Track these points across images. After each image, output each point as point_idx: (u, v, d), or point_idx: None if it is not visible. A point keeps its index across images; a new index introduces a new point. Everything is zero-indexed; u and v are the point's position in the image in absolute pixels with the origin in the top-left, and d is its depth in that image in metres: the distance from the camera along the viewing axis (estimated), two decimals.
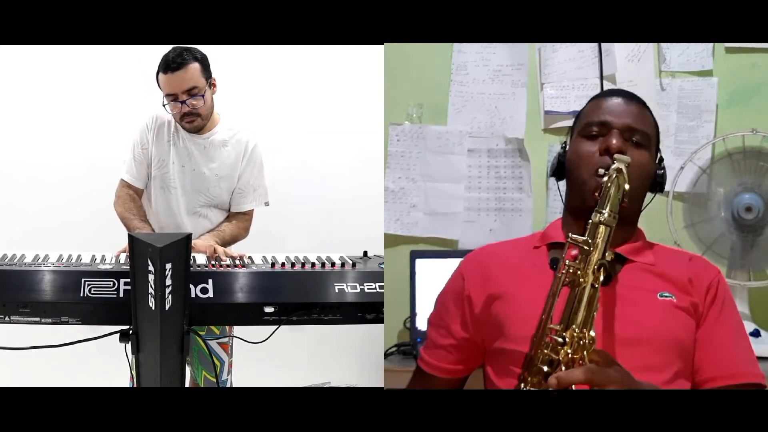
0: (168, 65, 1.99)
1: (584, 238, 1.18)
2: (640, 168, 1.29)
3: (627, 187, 1.21)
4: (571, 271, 1.17)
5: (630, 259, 1.32)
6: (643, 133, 1.31)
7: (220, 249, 1.93)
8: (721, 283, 1.32)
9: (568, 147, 1.39)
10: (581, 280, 1.16)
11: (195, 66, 2.01)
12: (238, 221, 2.20)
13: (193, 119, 2.06)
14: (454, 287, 1.42)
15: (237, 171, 2.16)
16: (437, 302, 1.46)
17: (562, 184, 1.42)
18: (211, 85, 2.09)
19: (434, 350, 1.43)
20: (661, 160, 1.39)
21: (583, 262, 1.17)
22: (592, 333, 1.12)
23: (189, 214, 2.16)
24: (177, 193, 2.14)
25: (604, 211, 1.19)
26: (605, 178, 1.22)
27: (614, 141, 1.28)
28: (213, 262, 1.77)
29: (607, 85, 2.27)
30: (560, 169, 1.40)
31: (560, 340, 1.14)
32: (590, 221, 1.19)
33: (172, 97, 2.02)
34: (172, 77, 2.00)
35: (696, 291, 1.29)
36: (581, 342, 1.12)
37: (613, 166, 1.23)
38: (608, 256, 1.17)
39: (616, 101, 1.34)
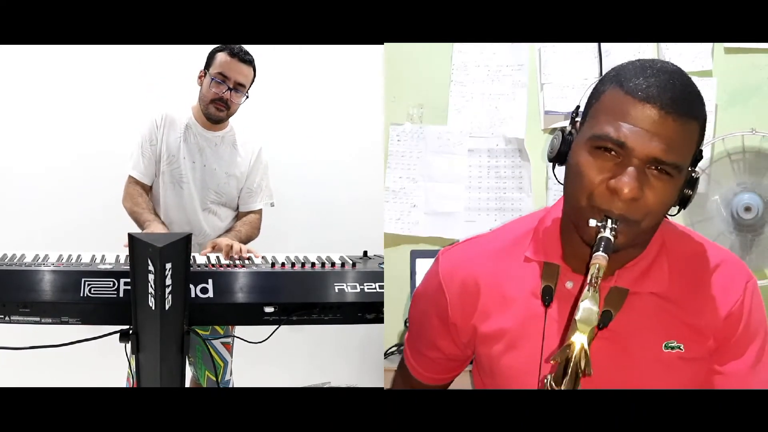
0: (237, 52, 2.09)
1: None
2: (658, 205, 1.01)
3: (588, 350, 0.95)
4: None
5: (633, 291, 1.09)
6: (672, 165, 0.99)
7: (236, 246, 1.95)
8: (745, 304, 1.09)
9: (576, 132, 1.08)
10: None
11: (251, 70, 2.14)
12: (251, 221, 2.25)
13: (223, 109, 2.12)
14: (436, 303, 1.22)
15: (246, 172, 2.22)
16: (418, 302, 1.30)
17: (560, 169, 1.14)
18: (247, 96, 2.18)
19: (422, 359, 1.31)
20: (699, 158, 1.07)
21: None
22: None
23: (201, 210, 2.19)
24: (189, 188, 2.17)
25: (560, 386, 0.98)
26: (572, 338, 0.95)
27: (626, 181, 0.98)
28: (213, 261, 1.77)
29: None
30: (563, 154, 1.09)
31: None
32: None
33: (223, 78, 2.09)
34: (236, 63, 2.09)
35: (713, 328, 1.09)
36: None
37: (574, 340, 0.95)
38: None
39: (651, 113, 0.98)
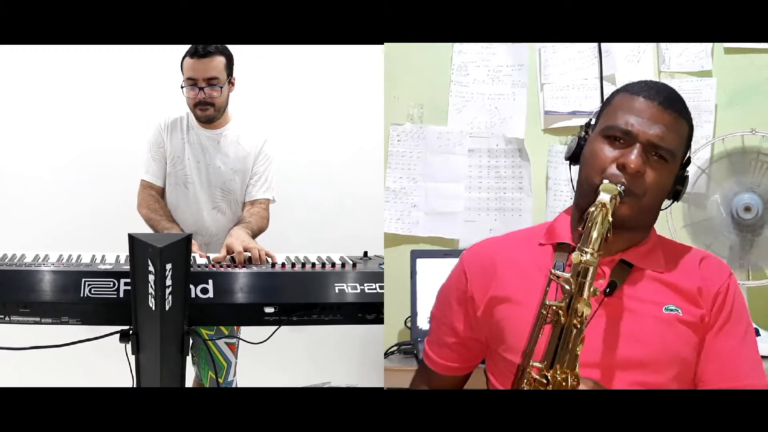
0: (196, 51, 2.07)
1: (567, 276, 1.14)
2: (657, 185, 1.23)
3: (611, 219, 1.15)
4: (554, 309, 1.14)
5: (637, 266, 1.26)
6: (667, 150, 1.22)
7: (255, 253, 1.82)
8: (731, 288, 1.27)
9: (590, 134, 1.30)
10: (563, 320, 1.13)
11: (220, 59, 2.10)
12: (260, 212, 2.22)
13: (207, 108, 2.12)
14: (457, 284, 1.37)
15: (251, 165, 2.22)
16: (440, 296, 1.42)
17: (575, 168, 1.35)
18: (230, 82, 2.17)
19: (439, 348, 1.40)
20: (688, 162, 1.30)
21: (565, 302, 1.14)
22: (577, 371, 1.12)
23: (208, 209, 2.19)
24: (195, 189, 2.18)
25: (587, 250, 1.13)
26: (591, 208, 1.16)
27: (633, 158, 1.20)
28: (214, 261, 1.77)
29: (607, 86, 2.26)
30: (577, 154, 1.32)
31: (543, 381, 1.13)
32: (572, 261, 1.14)
33: (192, 81, 2.09)
34: (196, 63, 2.07)
35: (704, 301, 1.25)
36: (565, 383, 1.11)
37: (599, 198, 1.17)
38: (595, 292, 1.13)
39: (650, 106, 1.22)
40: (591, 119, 1.33)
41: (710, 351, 1.24)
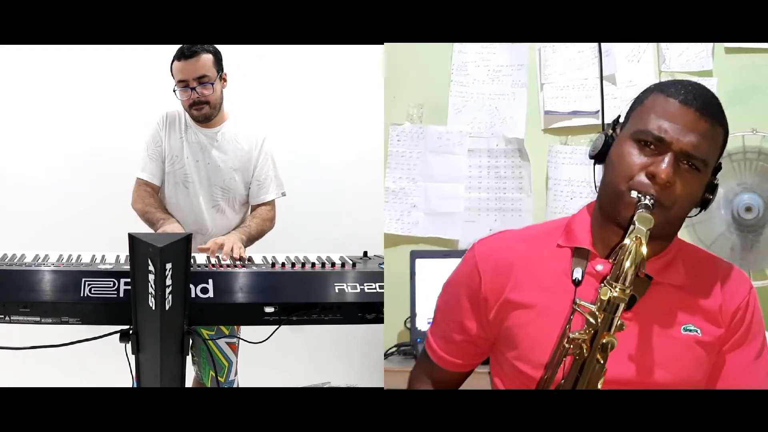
0: (182, 53, 2.08)
1: (593, 309, 1.10)
2: (687, 196, 1.16)
3: (645, 251, 1.08)
4: (576, 342, 1.11)
5: (657, 279, 1.20)
6: (700, 160, 1.14)
7: (227, 248, 1.94)
8: (750, 304, 1.24)
9: (618, 133, 1.22)
10: (585, 354, 1.11)
11: (207, 57, 2.10)
12: (263, 214, 2.24)
13: (202, 107, 2.12)
14: (468, 282, 1.30)
15: (251, 163, 2.22)
16: (447, 289, 1.37)
17: (599, 168, 1.28)
18: (222, 78, 2.17)
19: (446, 344, 1.36)
20: (719, 168, 1.22)
21: (589, 335, 1.10)
22: None
23: (208, 208, 2.20)
24: (194, 188, 2.19)
25: (616, 286, 1.08)
26: (627, 241, 1.09)
27: (663, 167, 1.12)
28: (213, 261, 1.77)
29: (607, 86, 2.27)
30: (603, 153, 1.23)
31: None
32: (599, 296, 1.10)
33: (183, 83, 2.09)
34: (184, 64, 2.07)
35: (723, 318, 1.21)
36: None
37: (635, 230, 1.09)
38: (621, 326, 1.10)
39: (686, 113, 1.14)
40: (619, 117, 1.25)
41: (721, 366, 1.22)
